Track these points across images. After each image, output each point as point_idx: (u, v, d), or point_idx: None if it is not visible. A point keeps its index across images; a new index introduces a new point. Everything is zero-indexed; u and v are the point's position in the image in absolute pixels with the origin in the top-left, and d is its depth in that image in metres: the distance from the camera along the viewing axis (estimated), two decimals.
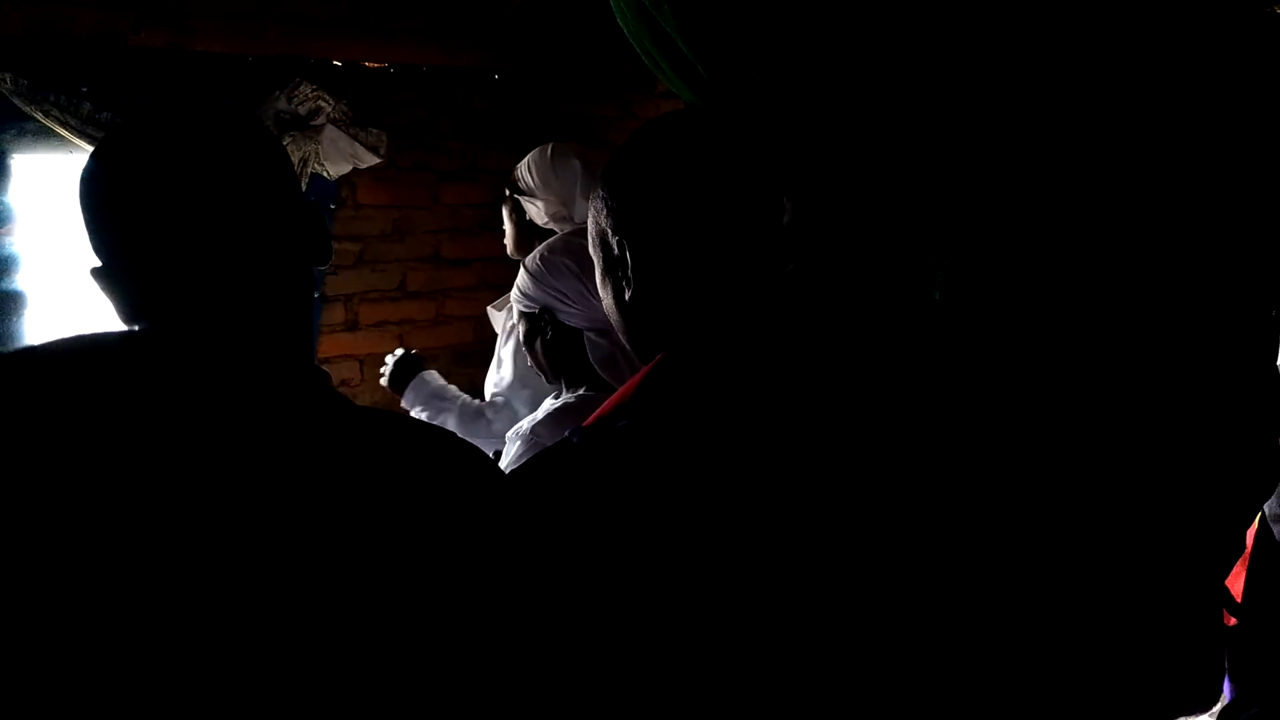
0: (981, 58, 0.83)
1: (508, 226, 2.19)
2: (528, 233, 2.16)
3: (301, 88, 2.84)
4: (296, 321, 0.80)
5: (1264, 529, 2.38)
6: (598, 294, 1.33)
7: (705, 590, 0.69)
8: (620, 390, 0.78)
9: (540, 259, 1.40)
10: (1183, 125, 0.87)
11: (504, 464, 1.42)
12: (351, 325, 3.22)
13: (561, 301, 1.37)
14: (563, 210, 2.06)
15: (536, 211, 2.09)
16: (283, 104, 2.84)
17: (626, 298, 0.82)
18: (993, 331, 0.89)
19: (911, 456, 0.76)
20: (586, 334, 1.37)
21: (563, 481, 0.72)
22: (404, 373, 2.08)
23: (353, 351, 3.23)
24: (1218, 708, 2.52)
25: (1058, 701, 0.85)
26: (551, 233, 2.08)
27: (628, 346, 0.87)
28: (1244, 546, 1.29)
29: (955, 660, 0.76)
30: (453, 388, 2.08)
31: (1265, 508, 2.34)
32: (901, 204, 0.88)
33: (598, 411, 0.78)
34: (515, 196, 2.13)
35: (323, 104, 2.88)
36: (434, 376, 2.09)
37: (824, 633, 0.71)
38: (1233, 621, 1.60)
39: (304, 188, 2.91)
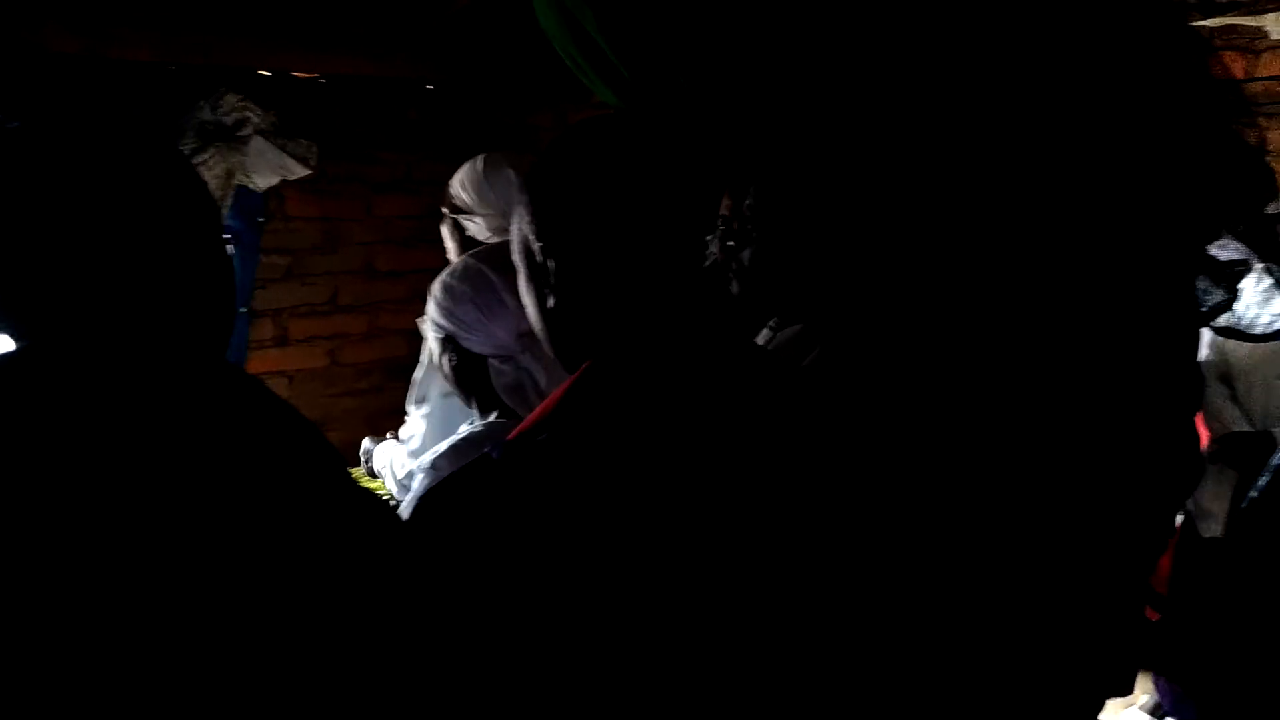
0: (903, 55, 0.84)
1: (450, 246, 2.13)
2: (469, 250, 2.11)
3: (227, 97, 2.77)
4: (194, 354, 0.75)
5: (1187, 525, 2.45)
6: (497, 319, 1.33)
7: (627, 604, 0.67)
8: (544, 403, 0.77)
9: (442, 284, 1.37)
10: (1104, 135, 0.89)
11: (410, 498, 1.38)
12: (281, 340, 3.15)
13: (460, 328, 1.34)
14: (504, 223, 2.01)
15: (478, 228, 2.04)
16: (207, 114, 2.76)
17: (549, 305, 0.80)
18: (916, 333, 0.90)
19: (833, 459, 0.76)
20: (490, 361, 1.35)
21: (480, 497, 0.70)
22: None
23: (282, 367, 3.15)
24: (1146, 699, 2.59)
25: (978, 695, 0.86)
26: None
27: (552, 355, 0.85)
28: (1167, 542, 1.31)
29: (874, 661, 0.76)
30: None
31: (1188, 504, 2.41)
32: (833, 202, 0.89)
33: (520, 426, 0.76)
34: (454, 216, 2.08)
35: (249, 114, 2.81)
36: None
37: (749, 640, 0.70)
38: (1155, 616, 1.65)
39: (230, 200, 2.83)
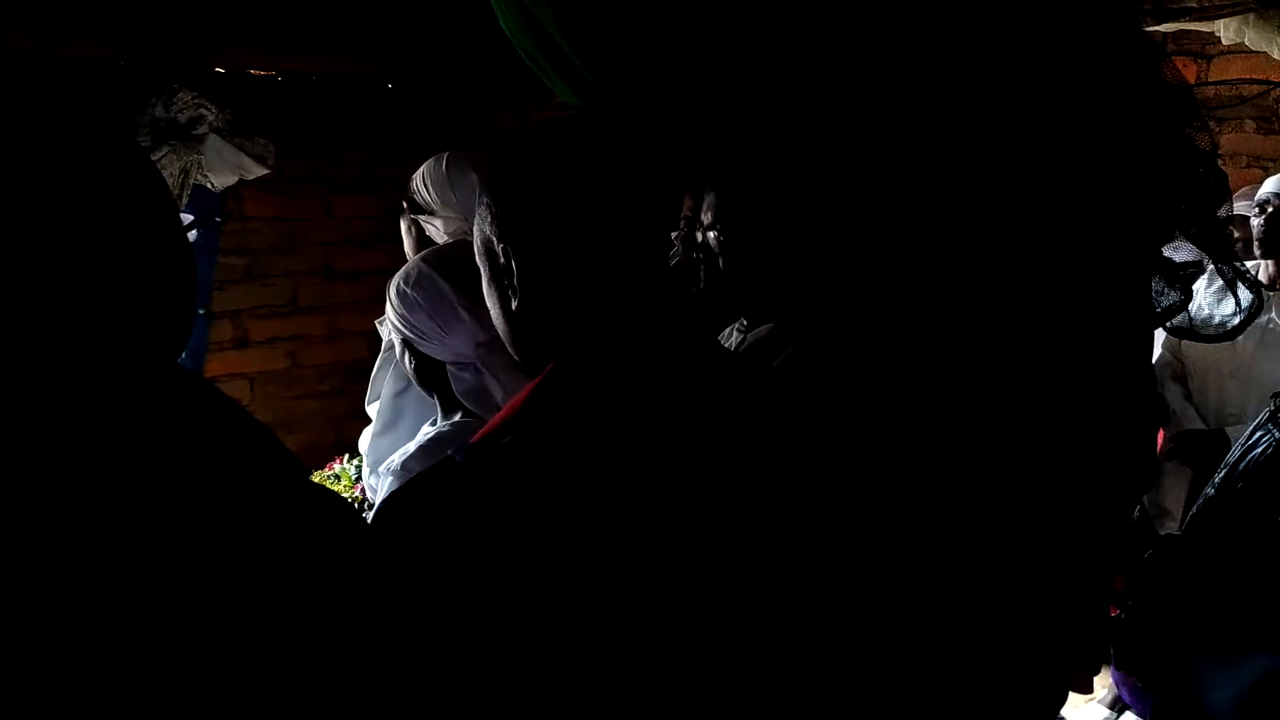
0: (862, 61, 0.84)
1: (407, 241, 2.09)
2: (426, 248, 2.07)
3: (180, 94, 2.72)
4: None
5: (1144, 522, 2.50)
6: (454, 332, 1.32)
7: (589, 608, 0.67)
8: (508, 405, 0.76)
9: (396, 290, 1.34)
10: (1060, 139, 0.89)
11: (376, 500, 1.36)
12: (240, 342, 3.10)
13: (417, 335, 1.33)
14: (464, 226, 1.95)
15: (436, 231, 1.99)
16: (160, 111, 2.70)
17: (513, 307, 0.79)
18: (885, 334, 0.90)
19: (797, 465, 0.76)
20: (449, 368, 1.34)
21: (445, 501, 0.69)
22: None
23: (242, 369, 3.11)
24: (1105, 694, 2.64)
25: (950, 686, 0.86)
26: None
27: (515, 358, 0.84)
28: (1125, 539, 1.33)
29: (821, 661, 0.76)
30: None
31: (1144, 501, 2.46)
32: (790, 200, 0.89)
33: (484, 429, 0.75)
34: (414, 215, 2.04)
35: (204, 112, 2.76)
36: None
37: (714, 643, 0.70)
38: (1115, 611, 1.67)
39: (185, 199, 2.78)
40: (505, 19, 0.92)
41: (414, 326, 1.32)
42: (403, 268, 1.39)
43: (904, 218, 0.90)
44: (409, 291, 1.32)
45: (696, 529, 0.70)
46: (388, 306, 1.37)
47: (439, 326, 1.30)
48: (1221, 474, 1.42)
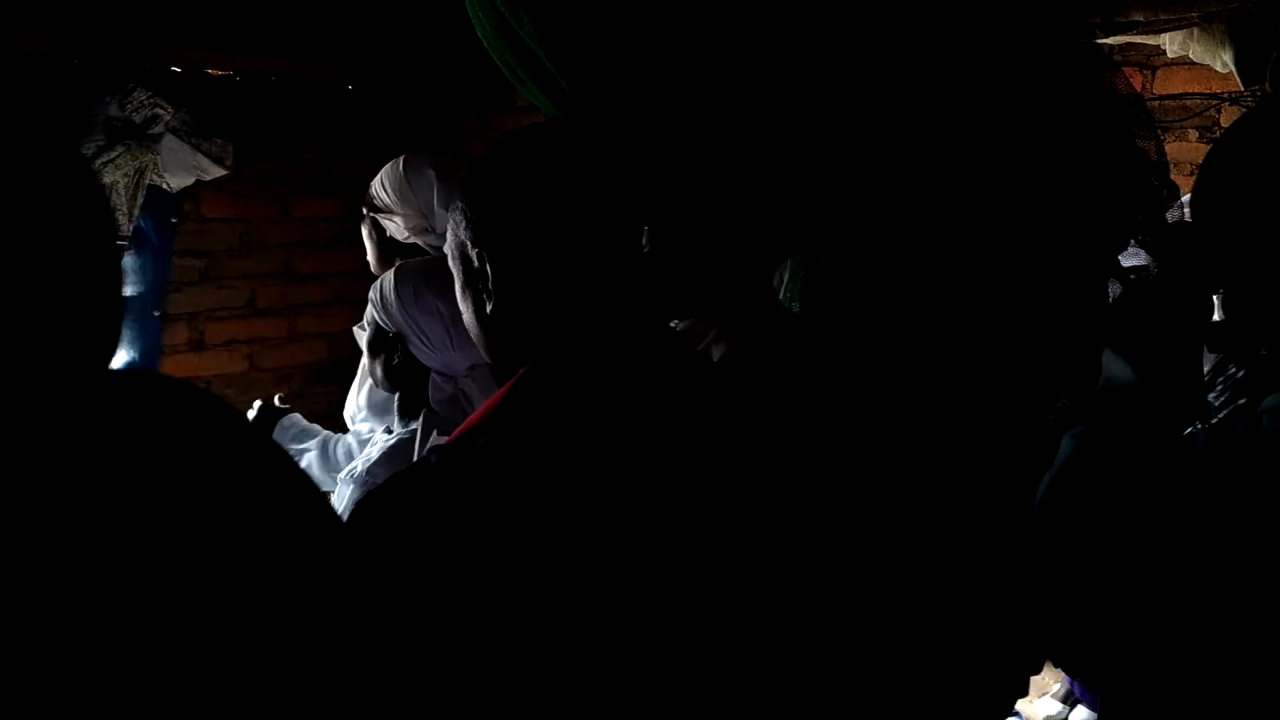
0: (828, 72, 0.86)
1: (369, 245, 2.10)
2: (390, 250, 2.08)
3: (135, 93, 2.67)
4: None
5: None
6: (462, 349, 1.32)
7: (566, 608, 0.68)
8: (482, 406, 0.77)
9: (413, 288, 1.33)
10: (1012, 141, 0.92)
11: (338, 508, 1.35)
12: (197, 345, 3.05)
13: (420, 340, 1.33)
14: (423, 223, 1.98)
15: (396, 228, 2.01)
16: (114, 110, 2.65)
17: (487, 311, 0.80)
18: (835, 336, 0.92)
19: (769, 463, 0.78)
20: (433, 374, 1.34)
21: (423, 502, 0.69)
22: (266, 421, 1.94)
23: (199, 373, 3.06)
24: (1059, 688, 2.70)
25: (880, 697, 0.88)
26: (414, 248, 2.00)
27: (488, 360, 0.85)
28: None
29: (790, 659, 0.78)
30: (315, 426, 1.96)
31: None
32: (759, 211, 0.91)
33: (459, 429, 0.76)
34: (373, 215, 2.06)
35: (160, 111, 2.71)
36: (296, 420, 1.97)
37: (689, 645, 0.71)
38: None
39: (141, 200, 2.73)
40: (482, 29, 0.93)
41: (420, 329, 1.31)
42: (419, 267, 1.37)
43: (867, 229, 0.92)
44: (431, 300, 1.31)
45: (674, 528, 0.71)
46: (388, 299, 1.35)
47: (449, 340, 1.30)
48: None
